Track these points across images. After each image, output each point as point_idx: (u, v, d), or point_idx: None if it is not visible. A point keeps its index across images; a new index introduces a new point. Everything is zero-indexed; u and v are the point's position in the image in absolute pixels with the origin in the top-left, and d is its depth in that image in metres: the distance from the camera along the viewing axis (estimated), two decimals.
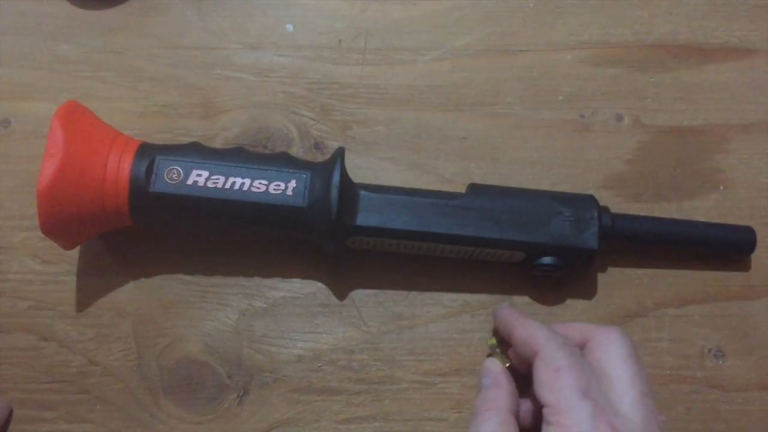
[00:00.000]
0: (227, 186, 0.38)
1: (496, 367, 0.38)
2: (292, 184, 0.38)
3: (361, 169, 0.44)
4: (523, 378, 0.37)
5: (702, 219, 0.44)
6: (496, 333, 0.40)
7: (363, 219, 0.39)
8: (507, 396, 0.36)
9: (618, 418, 0.31)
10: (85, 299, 0.42)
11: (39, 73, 0.46)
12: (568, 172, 0.45)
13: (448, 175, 0.45)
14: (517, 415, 0.35)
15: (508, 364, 0.38)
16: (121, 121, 0.43)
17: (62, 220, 0.37)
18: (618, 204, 0.44)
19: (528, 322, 0.36)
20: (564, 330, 0.37)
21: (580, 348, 0.35)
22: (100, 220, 0.39)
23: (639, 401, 0.32)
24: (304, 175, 0.38)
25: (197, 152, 0.39)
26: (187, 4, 0.48)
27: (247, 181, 0.38)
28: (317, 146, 0.45)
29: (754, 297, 0.43)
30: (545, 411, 0.32)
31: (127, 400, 0.40)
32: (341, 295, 0.42)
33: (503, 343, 0.39)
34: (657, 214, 0.44)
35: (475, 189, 0.41)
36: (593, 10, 0.48)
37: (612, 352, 0.34)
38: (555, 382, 0.32)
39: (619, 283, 0.43)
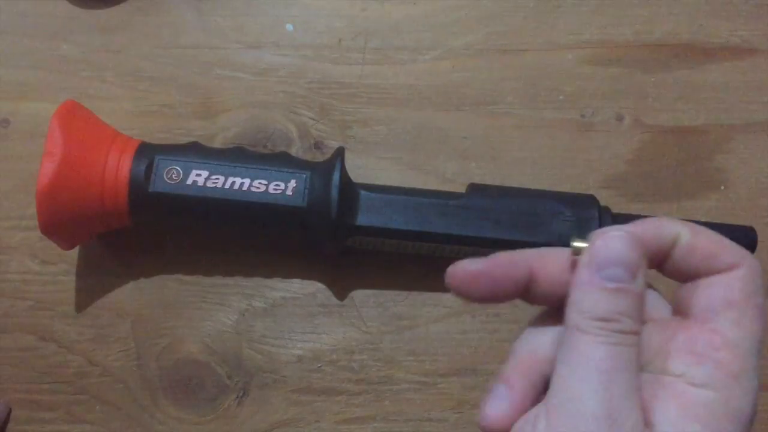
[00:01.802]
0: (227, 186, 0.38)
1: (638, 255, 0.25)
2: (292, 183, 0.38)
3: (361, 169, 0.44)
4: None
5: (702, 219, 0.44)
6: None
7: (363, 219, 0.39)
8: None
9: None
10: (84, 299, 0.42)
11: (38, 72, 0.46)
12: (569, 172, 0.45)
13: (448, 175, 0.45)
14: None
15: None
16: (120, 120, 0.43)
17: (61, 220, 0.37)
18: (618, 204, 0.44)
19: (691, 224, 0.26)
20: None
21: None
22: (100, 220, 0.39)
23: None
24: (304, 175, 0.38)
25: (197, 152, 0.39)
26: (187, 4, 0.47)
27: (247, 181, 0.38)
28: (317, 146, 0.45)
29: None
30: (703, 337, 0.25)
31: (126, 400, 0.40)
32: (341, 295, 0.42)
33: None
34: (657, 214, 0.44)
35: (475, 189, 0.41)
36: (594, 10, 0.48)
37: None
38: (747, 313, 0.25)
39: None
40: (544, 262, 0.27)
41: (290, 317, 0.42)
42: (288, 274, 0.42)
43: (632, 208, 0.44)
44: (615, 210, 0.41)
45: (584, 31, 0.48)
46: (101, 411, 0.40)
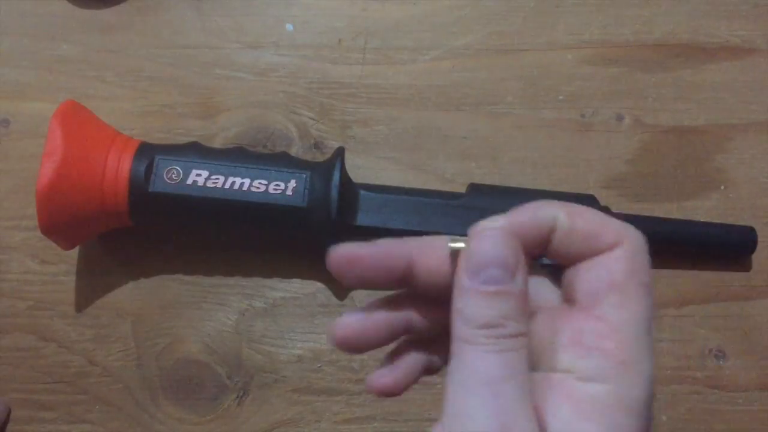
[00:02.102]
0: (227, 186, 0.38)
1: (513, 253, 0.24)
2: (292, 184, 0.38)
3: (361, 169, 0.44)
4: None
5: (703, 219, 0.44)
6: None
7: (363, 219, 0.39)
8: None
9: None
10: (84, 299, 0.42)
11: (38, 72, 0.46)
12: (569, 172, 0.45)
13: (448, 175, 0.45)
14: None
15: None
16: (120, 120, 0.43)
17: (61, 220, 0.37)
18: (618, 204, 0.44)
19: (568, 205, 0.26)
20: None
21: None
22: (100, 220, 0.39)
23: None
24: (304, 175, 0.38)
25: (197, 152, 0.39)
26: (187, 3, 0.47)
27: (247, 181, 0.38)
28: (317, 146, 0.45)
29: (755, 297, 0.43)
30: (588, 326, 0.23)
31: (126, 400, 0.40)
32: (341, 295, 0.42)
33: None
34: (657, 214, 0.44)
35: (475, 189, 0.41)
36: (594, 10, 0.48)
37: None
38: (629, 294, 0.23)
39: None
40: (424, 253, 0.26)
41: (290, 317, 0.42)
42: (288, 274, 0.42)
43: (632, 208, 0.44)
44: (615, 210, 0.41)
45: (584, 32, 0.48)
46: (101, 411, 0.40)
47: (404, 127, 0.46)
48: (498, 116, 0.46)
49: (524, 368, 0.23)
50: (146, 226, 0.41)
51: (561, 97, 0.46)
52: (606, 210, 0.41)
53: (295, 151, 0.45)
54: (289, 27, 0.47)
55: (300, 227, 0.39)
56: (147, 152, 0.38)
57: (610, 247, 0.24)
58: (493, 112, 0.46)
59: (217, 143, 0.44)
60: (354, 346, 0.26)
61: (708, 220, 0.44)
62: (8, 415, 0.40)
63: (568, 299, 0.25)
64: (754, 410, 0.41)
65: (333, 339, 0.25)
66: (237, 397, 0.40)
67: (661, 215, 0.43)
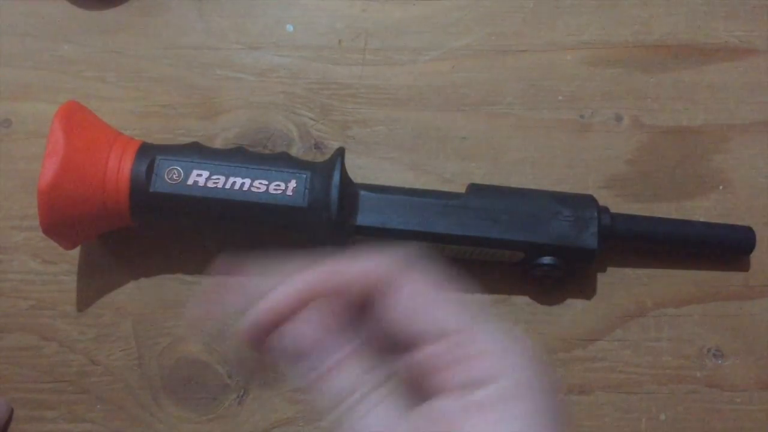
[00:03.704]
0: (227, 186, 0.38)
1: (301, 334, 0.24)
2: (292, 184, 0.38)
3: (361, 169, 0.44)
4: None
5: (701, 219, 0.44)
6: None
7: (363, 219, 0.39)
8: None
9: None
10: (85, 299, 0.42)
11: (39, 73, 0.46)
12: (568, 172, 0.45)
13: (448, 175, 0.45)
14: None
15: None
16: (121, 121, 0.43)
17: (63, 220, 0.37)
18: (618, 204, 0.44)
19: (316, 268, 0.25)
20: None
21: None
22: (101, 220, 0.39)
23: None
24: (304, 175, 0.38)
25: (197, 152, 0.39)
26: (187, 4, 0.48)
27: (247, 181, 0.38)
28: (317, 146, 0.45)
29: (754, 297, 0.43)
30: (443, 347, 0.23)
31: (127, 399, 0.40)
32: None
33: None
34: (657, 214, 0.44)
35: (475, 189, 0.41)
36: (593, 10, 0.49)
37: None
38: (445, 304, 0.23)
39: (619, 282, 0.43)
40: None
41: None
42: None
43: (631, 208, 0.44)
44: (614, 210, 0.41)
45: (583, 32, 0.48)
46: (102, 410, 0.40)
47: (404, 127, 0.46)
48: (498, 117, 0.46)
49: (398, 410, 0.22)
50: (147, 226, 0.41)
51: (560, 98, 0.47)
52: (605, 210, 0.41)
53: (295, 151, 0.45)
54: (289, 28, 0.47)
55: (300, 227, 0.39)
56: (148, 152, 0.38)
57: (387, 285, 0.24)
58: (492, 113, 0.46)
59: (217, 143, 0.44)
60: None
61: (707, 220, 0.44)
62: (10, 414, 0.40)
63: (397, 340, 0.24)
64: (752, 409, 0.41)
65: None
66: (237, 396, 0.41)
67: (660, 215, 0.43)
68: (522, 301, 0.43)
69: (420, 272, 0.24)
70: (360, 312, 0.24)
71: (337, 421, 0.22)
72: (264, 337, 0.24)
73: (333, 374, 0.23)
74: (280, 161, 0.39)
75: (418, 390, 0.23)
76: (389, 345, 0.24)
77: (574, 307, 0.43)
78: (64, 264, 0.42)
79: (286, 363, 0.23)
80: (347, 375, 0.23)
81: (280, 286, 0.24)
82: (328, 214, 0.38)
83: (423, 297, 0.23)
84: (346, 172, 0.39)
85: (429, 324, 0.23)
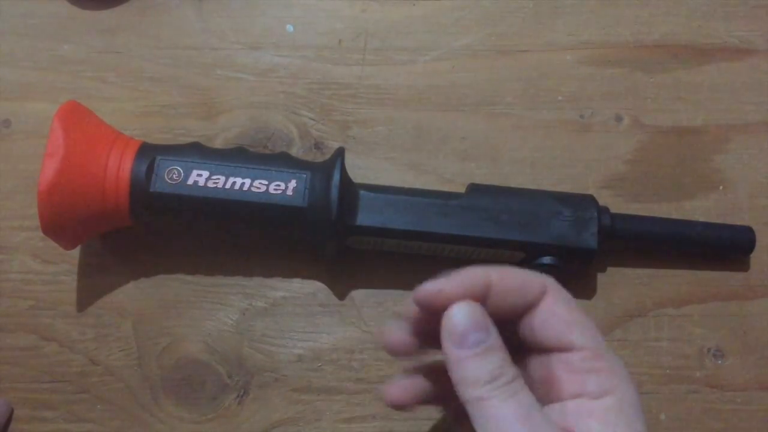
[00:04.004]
0: (227, 186, 0.38)
1: (484, 316, 0.28)
2: (292, 184, 0.38)
3: (361, 169, 0.44)
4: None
5: (701, 219, 0.44)
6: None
7: (363, 219, 0.39)
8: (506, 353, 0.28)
9: None
10: (85, 299, 0.42)
11: (39, 73, 0.46)
12: (568, 172, 0.45)
13: (448, 175, 0.45)
14: None
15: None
16: (121, 121, 0.43)
17: (63, 220, 0.37)
18: (618, 204, 0.44)
19: (487, 268, 0.29)
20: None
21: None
22: (101, 220, 0.39)
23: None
24: (304, 175, 0.38)
25: (197, 152, 0.39)
26: (187, 4, 0.48)
27: (248, 181, 0.38)
28: (317, 146, 0.45)
29: (754, 297, 0.43)
30: (574, 358, 0.27)
31: (127, 399, 0.40)
32: (341, 295, 0.42)
33: None
34: (657, 214, 0.44)
35: (475, 189, 0.41)
36: (593, 10, 0.49)
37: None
38: (584, 321, 0.28)
39: (619, 283, 0.43)
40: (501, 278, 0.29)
41: (290, 317, 0.42)
42: (288, 274, 0.43)
43: (631, 209, 0.44)
44: (614, 210, 0.41)
45: (583, 32, 0.48)
46: (102, 410, 0.40)
47: (404, 127, 0.46)
48: (497, 117, 0.46)
49: (534, 401, 0.26)
50: (147, 226, 0.41)
51: (560, 98, 0.47)
52: (605, 210, 0.41)
53: (295, 151, 0.45)
54: (289, 28, 0.48)
55: (300, 227, 0.39)
56: (148, 152, 0.38)
57: (540, 295, 0.29)
58: (492, 113, 0.46)
59: (217, 144, 0.45)
60: (401, 406, 0.31)
61: (706, 220, 0.44)
62: (10, 414, 0.40)
63: (531, 345, 0.29)
64: (752, 409, 0.41)
65: (385, 400, 0.31)
66: (237, 396, 0.41)
67: (660, 215, 0.43)
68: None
69: (563, 293, 0.29)
70: (504, 314, 0.29)
71: (477, 400, 0.26)
72: (430, 312, 0.28)
73: (481, 357, 0.27)
74: (280, 161, 0.39)
75: (546, 387, 0.28)
76: (516, 347, 0.29)
77: None
78: (64, 264, 0.42)
79: (445, 339, 0.27)
80: (492, 361, 0.27)
81: (456, 277, 0.28)
82: (328, 214, 0.38)
83: (568, 314, 0.28)
84: (346, 172, 0.39)
85: (570, 337, 0.28)
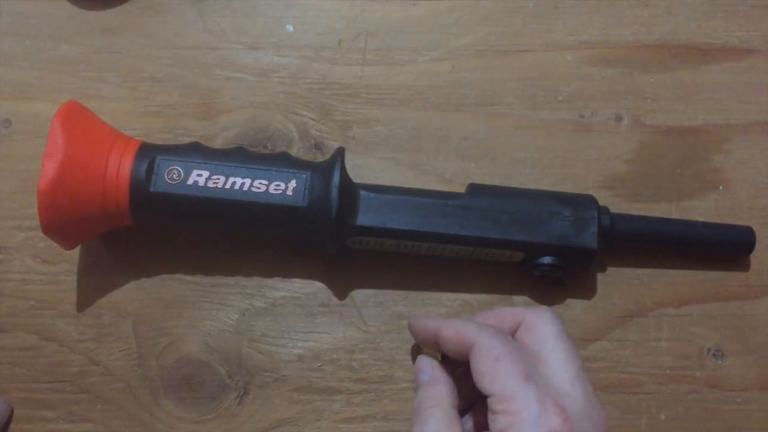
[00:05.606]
0: (227, 186, 0.38)
1: (431, 362, 0.37)
2: (293, 184, 0.38)
3: (361, 169, 0.44)
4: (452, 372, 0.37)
5: (701, 219, 0.44)
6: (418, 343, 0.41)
7: (363, 219, 0.39)
8: (447, 390, 0.35)
9: (562, 398, 0.32)
10: (85, 299, 0.42)
11: (39, 73, 0.46)
12: (568, 172, 0.45)
13: (448, 175, 0.45)
14: (458, 409, 0.35)
15: (440, 359, 0.38)
16: (121, 121, 0.43)
17: (63, 220, 0.37)
18: (618, 204, 0.44)
19: (453, 320, 0.36)
20: (492, 318, 0.36)
21: (512, 333, 0.35)
22: (101, 220, 0.39)
23: (577, 377, 0.33)
24: (304, 175, 0.38)
25: (197, 152, 0.39)
26: (187, 4, 0.48)
27: (248, 181, 0.38)
28: (317, 146, 0.45)
29: (754, 297, 0.43)
30: (490, 401, 0.32)
31: (127, 399, 0.40)
32: (341, 295, 0.42)
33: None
34: (657, 214, 0.44)
35: (475, 189, 0.41)
36: (593, 10, 0.49)
37: (544, 332, 0.34)
38: (496, 371, 0.32)
39: (619, 282, 0.43)
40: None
41: (291, 317, 0.42)
42: (288, 274, 0.43)
43: (631, 208, 0.44)
44: (614, 210, 0.41)
45: (583, 32, 0.48)
46: (102, 410, 0.40)
47: (404, 127, 0.46)
48: (497, 116, 0.46)
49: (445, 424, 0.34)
50: (147, 226, 0.41)
51: (560, 98, 0.47)
52: (605, 210, 0.41)
53: (295, 151, 0.45)
54: (289, 28, 0.48)
55: (300, 227, 0.39)
56: (148, 152, 0.38)
57: (470, 348, 0.34)
58: (492, 113, 0.46)
59: (217, 144, 0.45)
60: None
61: (707, 220, 0.44)
62: (10, 414, 0.40)
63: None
64: (752, 410, 0.41)
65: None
66: (237, 396, 0.41)
67: (660, 215, 0.43)
68: (522, 301, 0.43)
69: (488, 344, 0.33)
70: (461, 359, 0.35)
71: (415, 416, 0.35)
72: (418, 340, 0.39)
73: (432, 384, 0.36)
74: (280, 161, 0.39)
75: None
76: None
77: (574, 307, 0.43)
78: (64, 264, 0.42)
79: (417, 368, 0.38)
80: (441, 388, 0.36)
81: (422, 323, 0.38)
82: (328, 214, 0.38)
83: (483, 365, 0.33)
84: (346, 172, 0.39)
85: (482, 384, 0.32)
